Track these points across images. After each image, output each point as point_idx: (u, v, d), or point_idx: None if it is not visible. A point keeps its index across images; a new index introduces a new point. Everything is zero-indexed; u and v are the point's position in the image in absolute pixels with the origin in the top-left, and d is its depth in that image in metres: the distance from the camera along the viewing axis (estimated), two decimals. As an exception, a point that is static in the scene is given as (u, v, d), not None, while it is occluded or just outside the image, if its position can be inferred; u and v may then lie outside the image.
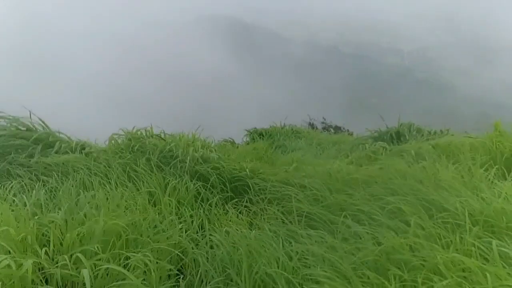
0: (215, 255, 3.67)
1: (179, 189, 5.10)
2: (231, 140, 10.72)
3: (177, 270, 3.89)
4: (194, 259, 3.73)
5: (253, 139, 11.78)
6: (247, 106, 54.13)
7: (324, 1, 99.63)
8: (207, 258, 3.71)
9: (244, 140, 11.92)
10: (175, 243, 3.92)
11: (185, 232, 4.19)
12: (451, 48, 79.26)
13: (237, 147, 9.47)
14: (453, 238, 3.49)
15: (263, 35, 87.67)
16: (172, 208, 4.65)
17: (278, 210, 4.68)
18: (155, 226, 4.05)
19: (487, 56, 73.67)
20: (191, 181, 5.44)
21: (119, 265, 3.34)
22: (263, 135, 12.09)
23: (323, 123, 17.77)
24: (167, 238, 3.88)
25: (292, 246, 3.70)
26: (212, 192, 5.38)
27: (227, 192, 5.49)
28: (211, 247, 3.82)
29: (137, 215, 4.10)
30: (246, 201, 5.27)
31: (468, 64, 71.35)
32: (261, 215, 4.64)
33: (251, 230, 4.29)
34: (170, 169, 5.64)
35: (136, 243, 3.70)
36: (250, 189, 5.52)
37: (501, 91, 58.99)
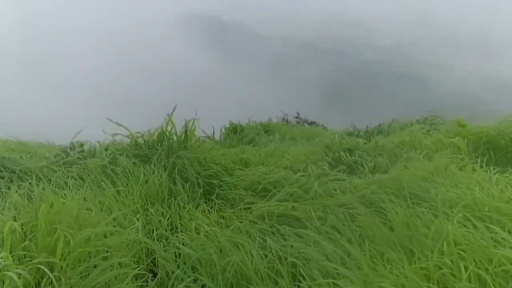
0: (183, 254, 3.66)
1: (153, 186, 5.07)
2: (210, 137, 10.68)
3: (150, 270, 3.86)
4: (166, 258, 3.71)
5: (228, 135, 11.77)
6: (226, 102, 54.02)
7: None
8: (177, 257, 3.69)
9: (221, 136, 11.94)
10: (142, 242, 3.90)
11: (155, 231, 4.17)
12: (426, 42, 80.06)
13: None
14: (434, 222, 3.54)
15: (240, 32, 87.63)
16: (140, 206, 4.63)
17: (250, 210, 4.68)
18: (120, 226, 4.02)
19: (461, 49, 74.61)
20: (170, 177, 5.44)
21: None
22: (236, 131, 12.06)
23: (297, 117, 17.83)
24: (132, 240, 3.85)
25: (265, 244, 3.69)
26: (185, 187, 5.37)
27: (200, 188, 5.48)
28: (182, 245, 3.79)
29: (101, 215, 4.08)
30: (217, 198, 5.27)
31: (443, 57, 72.18)
32: (234, 213, 4.64)
33: (221, 227, 4.29)
34: (152, 166, 5.63)
35: (99, 243, 3.66)
36: (221, 186, 5.53)
37: (476, 84, 59.80)
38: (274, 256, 3.42)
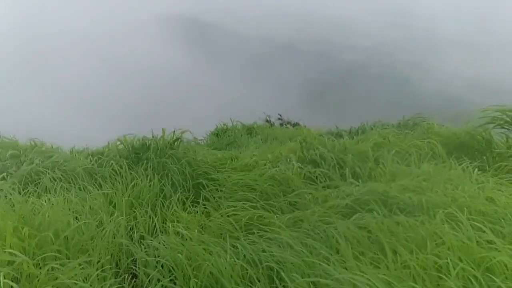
0: (159, 256, 3.70)
1: (141, 188, 5.11)
2: (196, 140, 10.75)
3: (132, 273, 3.90)
4: (144, 261, 3.75)
5: (212, 138, 11.86)
6: (208, 103, 53.97)
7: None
8: (156, 259, 3.73)
9: (206, 140, 12.00)
10: (121, 244, 3.93)
11: (136, 233, 4.20)
12: (405, 42, 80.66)
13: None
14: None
15: (220, 32, 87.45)
16: (127, 208, 4.66)
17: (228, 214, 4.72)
18: (103, 228, 4.05)
19: (441, 50, 75.34)
20: (160, 180, 5.48)
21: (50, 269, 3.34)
22: (218, 135, 12.15)
23: (279, 119, 17.91)
24: (112, 240, 3.88)
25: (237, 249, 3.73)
26: (176, 189, 5.42)
27: (188, 190, 5.53)
28: (157, 249, 3.84)
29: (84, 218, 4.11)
30: (203, 199, 5.32)
31: (423, 57, 72.83)
32: (216, 214, 4.68)
33: (204, 229, 4.35)
34: (140, 168, 5.67)
35: (78, 245, 3.70)
36: (207, 187, 5.59)
37: (456, 84, 60.53)
38: (249, 260, 3.47)
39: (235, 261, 3.54)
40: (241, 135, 11.35)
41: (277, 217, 4.39)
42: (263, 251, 3.64)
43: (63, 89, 59.55)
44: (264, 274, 3.39)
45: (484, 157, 5.60)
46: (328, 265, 3.25)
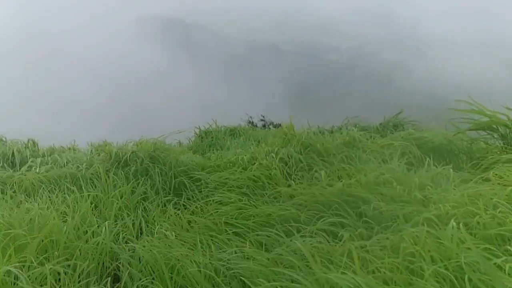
0: (142, 259, 3.72)
1: (124, 192, 5.12)
2: (179, 142, 10.79)
3: (113, 275, 3.91)
4: (129, 263, 3.76)
5: (196, 141, 11.86)
6: (191, 106, 53.87)
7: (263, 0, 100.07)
8: (139, 262, 3.75)
9: (189, 142, 12.01)
10: (106, 247, 3.95)
11: (121, 235, 4.22)
12: (387, 43, 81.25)
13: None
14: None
15: (203, 34, 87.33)
16: (109, 211, 4.67)
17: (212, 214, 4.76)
18: (86, 232, 4.06)
19: (422, 50, 75.97)
20: (142, 183, 5.51)
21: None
22: (202, 136, 12.15)
23: (262, 120, 17.87)
24: (97, 243, 3.90)
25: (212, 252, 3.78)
26: (157, 193, 5.45)
27: (170, 193, 5.56)
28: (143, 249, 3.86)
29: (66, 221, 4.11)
30: (185, 200, 5.35)
31: (404, 58, 73.38)
32: (199, 216, 4.71)
33: (187, 230, 4.37)
34: (123, 172, 5.69)
35: (63, 248, 3.71)
36: (188, 189, 5.62)
37: (436, 83, 61.09)
38: (218, 264, 3.52)
39: (210, 263, 3.58)
40: (223, 137, 11.37)
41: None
42: (235, 252, 3.68)
43: (44, 92, 59.04)
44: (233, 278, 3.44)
45: (462, 159, 5.69)
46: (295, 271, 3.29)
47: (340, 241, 3.71)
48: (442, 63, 68.64)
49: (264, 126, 17.26)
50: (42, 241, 3.62)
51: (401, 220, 3.85)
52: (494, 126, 6.08)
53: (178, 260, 3.48)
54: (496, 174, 4.49)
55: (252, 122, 17.42)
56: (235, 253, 3.58)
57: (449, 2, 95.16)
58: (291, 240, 3.73)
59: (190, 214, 4.66)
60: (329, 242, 3.80)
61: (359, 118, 11.79)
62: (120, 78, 64.76)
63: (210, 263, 3.49)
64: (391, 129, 8.58)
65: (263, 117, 18.32)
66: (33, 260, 3.40)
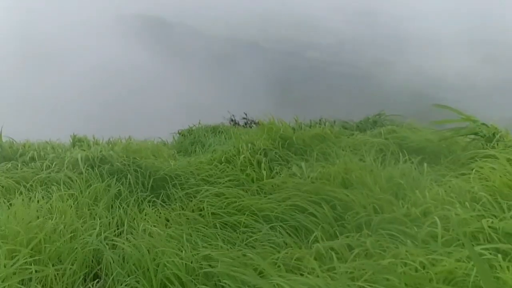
0: (125, 256, 3.74)
1: (99, 191, 5.13)
2: (164, 142, 10.82)
3: (96, 274, 3.93)
4: (111, 262, 3.78)
5: (179, 139, 11.91)
6: (174, 104, 53.59)
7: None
8: (121, 259, 3.77)
9: (173, 141, 12.05)
10: (88, 246, 3.96)
11: (102, 234, 4.23)
12: (368, 40, 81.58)
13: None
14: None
15: (185, 32, 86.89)
16: (86, 210, 4.68)
17: (193, 207, 4.82)
18: (63, 232, 4.07)
19: (403, 47, 76.35)
20: (118, 181, 5.51)
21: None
22: (185, 135, 12.20)
23: (244, 118, 17.91)
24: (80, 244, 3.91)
25: (197, 244, 3.83)
26: (132, 191, 5.46)
27: (147, 190, 5.58)
28: (123, 249, 3.88)
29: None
30: (164, 198, 5.38)
31: (385, 55, 73.67)
32: (179, 212, 4.75)
33: (167, 227, 4.40)
34: (96, 171, 5.69)
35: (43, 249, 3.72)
36: (169, 187, 5.65)
37: (418, 80, 61.52)
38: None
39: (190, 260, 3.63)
40: (204, 135, 11.43)
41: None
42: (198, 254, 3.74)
43: (25, 92, 58.27)
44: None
45: (440, 155, 5.78)
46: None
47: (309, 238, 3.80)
48: (423, 59, 69.13)
49: (246, 124, 17.32)
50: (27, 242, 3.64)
51: (371, 213, 3.94)
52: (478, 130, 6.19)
53: (163, 255, 3.52)
54: (473, 170, 4.59)
55: (235, 120, 17.48)
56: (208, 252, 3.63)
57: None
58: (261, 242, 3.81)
59: (169, 212, 4.70)
60: (299, 238, 3.90)
61: (339, 114, 11.91)
62: (102, 77, 64.16)
63: (193, 256, 3.54)
64: (371, 126, 8.68)
65: (246, 115, 18.37)
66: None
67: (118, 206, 4.89)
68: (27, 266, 3.41)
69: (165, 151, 7.96)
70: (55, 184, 5.36)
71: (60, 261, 3.66)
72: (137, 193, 5.34)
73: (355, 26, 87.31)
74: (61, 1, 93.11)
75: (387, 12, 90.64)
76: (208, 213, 4.56)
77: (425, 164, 5.11)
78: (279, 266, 3.39)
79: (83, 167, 5.73)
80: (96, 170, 5.69)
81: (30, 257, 3.50)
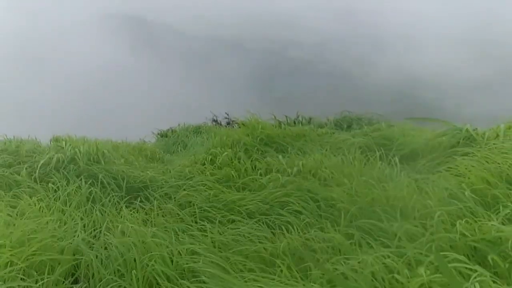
0: (108, 256, 3.67)
1: (68, 193, 5.03)
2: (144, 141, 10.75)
3: (76, 276, 3.84)
4: (90, 263, 3.70)
5: (161, 140, 11.86)
6: (155, 104, 53.29)
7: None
8: (101, 260, 3.70)
9: (153, 141, 12.00)
10: (65, 248, 3.86)
11: (78, 236, 4.14)
12: (349, 39, 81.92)
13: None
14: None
15: (166, 32, 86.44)
16: (59, 214, 4.59)
17: (173, 205, 4.77)
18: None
19: (384, 46, 76.84)
20: (87, 183, 5.41)
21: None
22: (166, 135, 12.15)
23: (226, 118, 17.93)
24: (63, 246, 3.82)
25: (184, 241, 3.79)
26: (108, 193, 5.37)
27: (121, 191, 5.49)
28: (105, 249, 3.81)
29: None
30: (141, 200, 5.31)
31: (366, 53, 74.09)
32: (157, 212, 4.69)
33: (146, 227, 4.33)
34: (63, 173, 5.57)
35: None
36: (146, 188, 5.58)
37: (399, 79, 61.97)
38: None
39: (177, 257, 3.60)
40: (187, 136, 11.39)
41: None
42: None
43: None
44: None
45: (419, 152, 5.81)
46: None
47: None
48: (405, 58, 69.62)
49: (228, 123, 17.32)
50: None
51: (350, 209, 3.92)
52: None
53: (147, 252, 3.47)
54: (451, 168, 4.62)
55: (217, 120, 17.48)
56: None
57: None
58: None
59: (148, 212, 4.65)
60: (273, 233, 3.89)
61: (321, 113, 11.94)
62: (80, 77, 63.60)
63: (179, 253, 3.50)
64: (347, 124, 8.74)
65: (227, 114, 18.39)
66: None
67: (91, 208, 4.81)
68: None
69: (151, 151, 7.89)
70: (22, 187, 5.25)
71: (40, 270, 3.57)
72: (112, 195, 5.26)
73: (336, 25, 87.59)
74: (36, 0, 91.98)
75: (367, 11, 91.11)
76: (190, 209, 4.51)
77: (401, 162, 5.12)
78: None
79: (52, 169, 5.63)
80: (64, 172, 5.58)
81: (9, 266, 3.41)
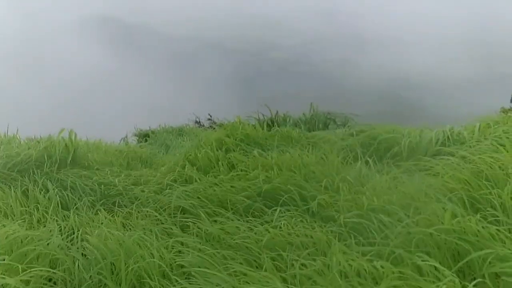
0: (87, 260, 3.57)
1: (37, 197, 4.91)
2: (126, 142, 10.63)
3: (53, 283, 3.74)
4: (67, 268, 3.60)
5: (140, 141, 11.77)
6: (136, 106, 52.95)
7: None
8: (79, 265, 3.60)
9: (134, 142, 11.92)
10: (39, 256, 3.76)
11: (54, 241, 4.03)
12: (331, 40, 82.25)
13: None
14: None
15: (147, 34, 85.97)
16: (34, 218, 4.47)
17: (151, 208, 4.68)
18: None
19: (365, 47, 77.31)
20: (57, 188, 5.29)
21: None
22: (148, 136, 12.08)
23: (209, 120, 17.92)
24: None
25: (167, 242, 3.72)
26: (80, 197, 5.25)
27: (96, 195, 5.38)
28: (83, 254, 3.72)
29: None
30: (118, 203, 5.20)
31: (348, 54, 74.44)
32: (136, 215, 4.60)
33: (125, 231, 4.24)
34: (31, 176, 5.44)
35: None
36: (122, 192, 5.47)
37: (381, 80, 62.40)
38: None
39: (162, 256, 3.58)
40: (170, 138, 11.32)
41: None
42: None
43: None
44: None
45: (401, 152, 5.81)
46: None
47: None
48: (387, 59, 70.08)
49: (211, 125, 17.28)
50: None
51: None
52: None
53: (131, 254, 3.40)
54: (432, 167, 4.63)
55: (199, 122, 17.43)
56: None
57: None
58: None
59: (123, 217, 4.56)
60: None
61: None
62: (61, 80, 62.99)
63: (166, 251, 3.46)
64: (322, 123, 8.81)
65: (210, 116, 18.37)
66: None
67: (61, 212, 4.70)
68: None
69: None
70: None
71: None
72: (85, 198, 5.16)
73: (317, 26, 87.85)
74: (14, 1, 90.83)
75: (348, 11, 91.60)
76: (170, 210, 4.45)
77: (381, 162, 5.13)
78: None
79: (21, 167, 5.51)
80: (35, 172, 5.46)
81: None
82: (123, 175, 5.86)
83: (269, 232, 3.79)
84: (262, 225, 4.00)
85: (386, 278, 3.04)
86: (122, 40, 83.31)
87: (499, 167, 4.31)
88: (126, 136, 12.53)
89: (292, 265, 3.28)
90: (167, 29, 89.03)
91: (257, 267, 3.36)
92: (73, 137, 6.64)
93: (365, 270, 3.12)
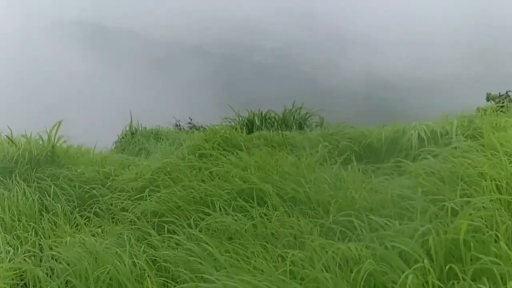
0: (56, 269, 3.49)
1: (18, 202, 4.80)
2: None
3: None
4: (37, 277, 3.52)
5: (122, 145, 11.66)
6: (116, 110, 52.45)
7: (187, 1, 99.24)
8: (49, 274, 3.51)
9: (117, 144, 11.86)
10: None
11: (21, 249, 3.92)
12: (311, 43, 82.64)
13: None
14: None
15: (125, 38, 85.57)
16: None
17: (130, 213, 4.60)
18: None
19: (347, 49, 77.71)
20: (35, 191, 5.17)
21: None
22: (125, 141, 11.92)
23: (189, 123, 17.86)
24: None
25: (142, 249, 3.66)
26: (59, 201, 5.14)
27: (74, 201, 5.27)
28: (56, 260, 3.63)
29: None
30: (96, 208, 5.11)
31: (329, 56, 74.82)
32: (113, 220, 4.51)
33: (103, 237, 4.15)
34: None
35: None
36: (99, 196, 5.38)
37: (362, 82, 62.82)
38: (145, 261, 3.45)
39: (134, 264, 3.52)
40: (148, 141, 11.20)
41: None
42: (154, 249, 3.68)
43: None
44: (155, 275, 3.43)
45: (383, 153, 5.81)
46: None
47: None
48: (368, 60, 70.60)
49: (191, 128, 17.22)
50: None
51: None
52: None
53: (102, 263, 3.35)
54: (407, 167, 4.66)
55: (179, 125, 17.36)
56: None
57: (369, 0, 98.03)
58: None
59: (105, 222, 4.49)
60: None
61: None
62: (39, 85, 62.36)
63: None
64: (297, 123, 8.92)
65: (191, 119, 18.30)
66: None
67: (40, 217, 4.60)
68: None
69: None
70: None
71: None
72: (62, 203, 5.04)
73: (298, 29, 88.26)
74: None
75: (328, 13, 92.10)
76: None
77: (358, 161, 5.14)
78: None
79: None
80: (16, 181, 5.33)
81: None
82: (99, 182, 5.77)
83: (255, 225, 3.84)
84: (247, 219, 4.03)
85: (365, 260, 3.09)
86: (103, 44, 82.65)
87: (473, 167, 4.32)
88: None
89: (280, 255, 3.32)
90: (147, 33, 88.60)
91: (247, 258, 3.38)
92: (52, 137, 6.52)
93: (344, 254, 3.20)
